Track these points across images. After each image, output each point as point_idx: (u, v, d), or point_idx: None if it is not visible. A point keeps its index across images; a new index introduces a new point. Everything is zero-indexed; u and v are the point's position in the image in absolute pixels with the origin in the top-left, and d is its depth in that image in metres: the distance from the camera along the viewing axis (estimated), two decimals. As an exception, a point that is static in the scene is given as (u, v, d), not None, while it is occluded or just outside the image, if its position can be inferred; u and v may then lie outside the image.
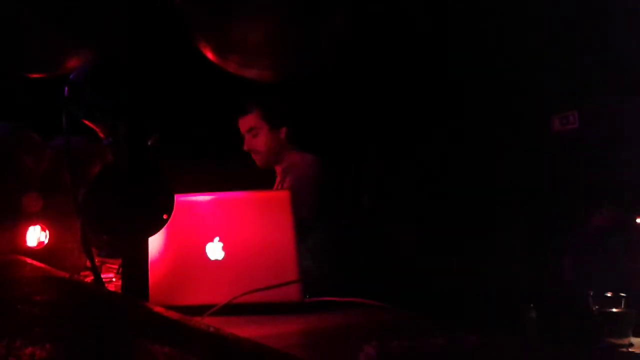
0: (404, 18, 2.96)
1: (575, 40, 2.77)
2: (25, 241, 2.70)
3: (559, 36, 2.81)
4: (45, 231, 2.76)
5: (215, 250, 1.55)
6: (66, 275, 1.54)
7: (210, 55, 1.54)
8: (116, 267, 2.17)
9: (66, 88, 1.55)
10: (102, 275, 1.84)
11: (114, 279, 2.09)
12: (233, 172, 2.66)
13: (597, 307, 1.65)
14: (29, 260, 1.65)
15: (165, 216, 1.36)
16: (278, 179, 2.59)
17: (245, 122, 2.54)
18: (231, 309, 1.41)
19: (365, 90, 3.19)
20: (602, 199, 2.57)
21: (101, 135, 1.85)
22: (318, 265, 2.07)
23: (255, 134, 2.51)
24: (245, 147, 2.55)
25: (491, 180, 2.97)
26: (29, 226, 2.73)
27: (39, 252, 2.64)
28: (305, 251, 1.61)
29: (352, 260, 2.45)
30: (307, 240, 2.06)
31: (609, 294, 1.66)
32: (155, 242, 1.53)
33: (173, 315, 0.84)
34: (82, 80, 1.61)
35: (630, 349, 1.56)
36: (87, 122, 1.83)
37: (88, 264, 1.65)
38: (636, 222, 2.49)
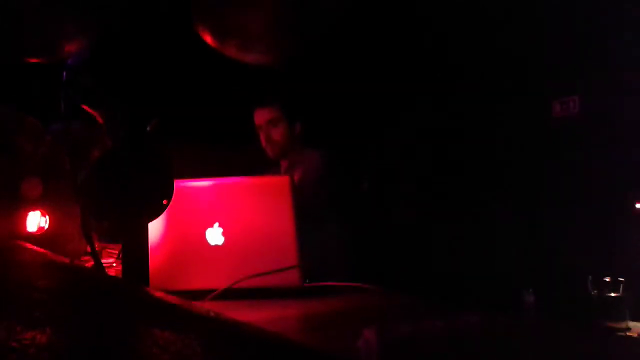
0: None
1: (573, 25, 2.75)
2: (25, 227, 2.71)
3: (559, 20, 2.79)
4: (45, 216, 2.76)
5: (215, 235, 1.56)
6: (66, 260, 1.55)
7: (208, 39, 1.53)
8: (116, 252, 2.17)
9: (65, 72, 1.54)
10: (103, 261, 1.84)
11: (114, 264, 2.10)
12: (233, 157, 2.67)
13: (595, 291, 1.66)
14: (29, 246, 1.65)
15: (165, 201, 1.36)
16: (282, 172, 2.60)
17: (265, 113, 2.55)
18: (231, 294, 1.42)
19: (367, 78, 3.19)
20: (604, 183, 2.57)
21: (100, 120, 1.85)
22: (329, 254, 2.08)
23: (275, 125, 2.53)
24: (263, 138, 2.55)
25: (490, 165, 2.96)
26: (29, 211, 2.73)
27: (39, 238, 2.64)
28: (315, 241, 1.61)
29: (353, 245, 2.46)
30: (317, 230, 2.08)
31: (607, 279, 1.67)
32: (155, 228, 1.53)
33: (173, 300, 0.84)
34: (80, 65, 1.60)
35: (627, 333, 1.57)
36: (86, 107, 1.82)
37: (88, 249, 1.65)
38: (635, 207, 2.49)
